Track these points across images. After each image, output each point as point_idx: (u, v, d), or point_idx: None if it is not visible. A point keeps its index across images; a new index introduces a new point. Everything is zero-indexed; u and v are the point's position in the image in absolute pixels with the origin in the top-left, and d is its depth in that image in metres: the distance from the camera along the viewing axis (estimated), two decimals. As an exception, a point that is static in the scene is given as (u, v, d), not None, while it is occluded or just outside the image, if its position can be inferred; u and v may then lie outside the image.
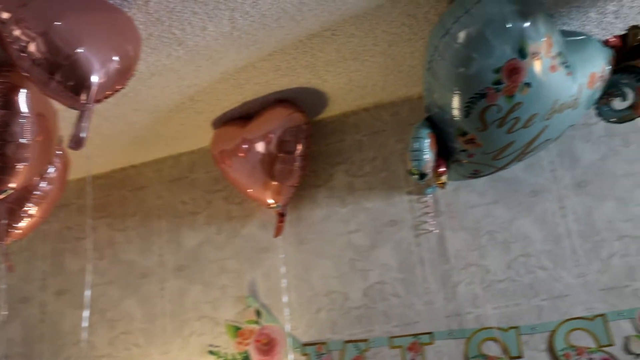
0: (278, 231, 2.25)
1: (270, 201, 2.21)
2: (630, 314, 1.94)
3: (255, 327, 2.26)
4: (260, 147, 2.18)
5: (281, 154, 2.18)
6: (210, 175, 2.47)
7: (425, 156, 1.74)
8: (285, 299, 2.24)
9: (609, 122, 1.87)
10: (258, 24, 1.70)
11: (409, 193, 2.21)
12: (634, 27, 1.74)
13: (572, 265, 2.02)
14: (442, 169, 1.88)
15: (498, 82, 1.55)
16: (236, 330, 2.28)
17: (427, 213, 2.17)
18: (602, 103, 1.83)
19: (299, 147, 2.19)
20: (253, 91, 2.10)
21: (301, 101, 2.20)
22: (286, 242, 2.29)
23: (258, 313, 2.27)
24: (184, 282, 2.40)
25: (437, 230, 2.15)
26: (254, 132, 2.19)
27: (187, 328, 2.34)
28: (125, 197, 2.58)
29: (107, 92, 1.51)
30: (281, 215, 2.24)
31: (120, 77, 1.52)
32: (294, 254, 2.29)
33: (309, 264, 2.27)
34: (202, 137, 2.36)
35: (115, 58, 1.46)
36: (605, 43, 1.75)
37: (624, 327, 1.94)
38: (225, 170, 2.27)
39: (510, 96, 1.57)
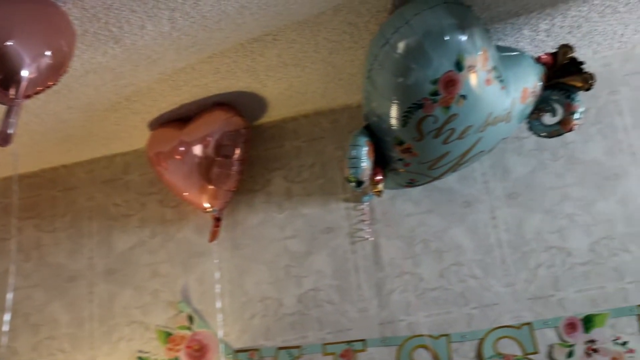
0: (213, 236, 2.22)
1: (207, 205, 2.18)
2: (554, 322, 2.00)
3: (187, 333, 2.22)
4: (197, 150, 2.15)
5: (219, 158, 2.15)
6: (145, 177, 2.42)
7: (362, 164, 1.75)
8: (218, 304, 2.20)
9: (540, 136, 1.93)
10: (198, 26, 1.67)
11: (346, 200, 2.22)
12: (564, 46, 1.80)
13: (501, 275, 2.07)
14: (378, 177, 1.90)
15: (435, 93, 1.58)
16: (167, 336, 2.23)
17: (363, 221, 2.19)
18: (533, 118, 1.90)
19: (237, 152, 2.17)
20: (192, 93, 2.07)
21: (240, 105, 2.18)
22: (221, 247, 2.27)
23: (190, 319, 2.23)
24: (114, 286, 2.33)
25: (373, 238, 2.17)
26: (191, 134, 2.15)
27: (116, 333, 2.28)
28: (54, 197, 2.49)
29: (38, 88, 1.46)
30: (217, 220, 2.21)
31: (53, 73, 1.47)
32: (229, 259, 2.27)
33: (243, 269, 2.25)
34: (138, 138, 2.31)
35: (48, 53, 1.42)
36: (538, 60, 1.81)
37: (548, 336, 2.00)
38: (160, 173, 2.22)
39: (447, 107, 1.61)
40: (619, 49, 2.13)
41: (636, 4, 1.81)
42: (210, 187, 2.16)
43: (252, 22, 1.69)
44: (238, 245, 2.28)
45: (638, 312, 1.96)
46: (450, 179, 2.09)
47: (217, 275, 2.23)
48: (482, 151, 1.81)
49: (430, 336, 2.06)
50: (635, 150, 2.08)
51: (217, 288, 2.22)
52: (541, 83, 1.81)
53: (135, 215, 2.40)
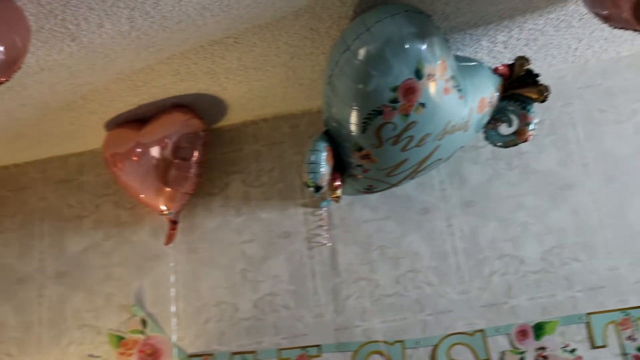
0: (169, 239, 2.19)
1: (163, 208, 2.15)
2: (506, 329, 2.04)
3: (140, 337, 2.18)
4: (155, 151, 2.12)
5: (176, 160, 2.13)
6: (100, 178, 2.37)
7: (321, 169, 1.75)
8: (173, 308, 2.18)
9: (496, 146, 1.96)
10: (158, 26, 1.65)
11: (304, 205, 2.22)
12: (521, 58, 1.84)
13: (456, 282, 2.09)
14: (337, 183, 1.90)
15: (394, 101, 1.60)
16: (119, 340, 2.19)
17: (320, 226, 2.19)
18: (490, 127, 1.93)
19: (195, 154, 2.15)
20: (150, 94, 2.04)
21: (200, 107, 2.16)
22: (177, 251, 2.24)
23: (144, 322, 2.20)
24: (65, 289, 2.28)
25: (330, 244, 2.18)
26: (149, 136, 2.12)
27: (66, 337, 2.23)
28: (4, 197, 2.43)
29: (-11, 84, 1.42)
30: (173, 223, 2.18)
31: (5, 69, 1.42)
32: (185, 263, 2.24)
33: (199, 273, 2.23)
34: (94, 138, 2.26)
35: (0, 48, 1.38)
36: (495, 71, 1.84)
37: (500, 342, 2.03)
38: (116, 174, 2.18)
39: (406, 115, 1.62)
40: (573, 63, 2.18)
41: (589, 20, 1.86)
42: (167, 189, 2.13)
43: (213, 24, 1.67)
44: (194, 249, 2.25)
45: (587, 320, 2.01)
46: (408, 186, 2.11)
47: (172, 278, 2.21)
48: (439, 159, 1.83)
49: (385, 342, 2.07)
50: (587, 162, 2.13)
51: (172, 292, 2.19)
52: (498, 93, 1.84)
53: (90, 217, 2.35)
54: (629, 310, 2.00)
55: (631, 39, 2.01)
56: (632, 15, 1.24)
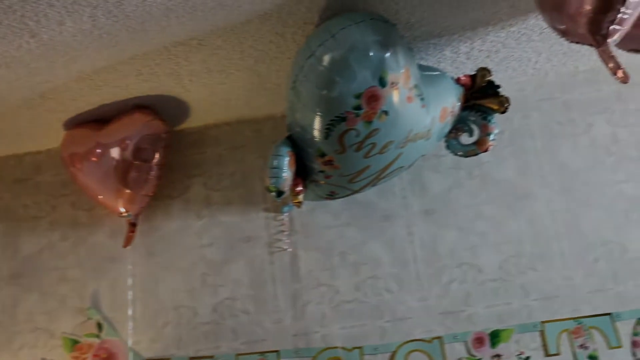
0: (128, 241, 2.15)
1: (122, 210, 2.12)
2: (464, 337, 2.06)
3: (95, 340, 2.14)
4: (115, 152, 2.08)
5: (137, 162, 2.09)
6: (57, 178, 2.32)
7: (283, 174, 1.74)
8: (129, 312, 2.15)
9: (457, 155, 1.99)
10: (121, 25, 1.63)
11: (266, 210, 2.21)
12: (482, 69, 1.87)
13: (415, 289, 2.11)
14: (299, 188, 1.90)
15: (358, 107, 1.60)
16: (73, 344, 2.14)
17: (282, 231, 2.19)
18: (451, 137, 1.95)
19: (156, 156, 2.12)
20: (111, 94, 2.01)
21: (162, 109, 2.13)
22: (135, 253, 2.20)
23: (99, 326, 2.16)
24: (18, 291, 2.22)
25: (291, 249, 2.17)
26: (109, 136, 2.09)
27: (18, 340, 2.17)
28: (-43, 196, 2.36)
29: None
30: (132, 225, 2.15)
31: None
32: (143, 266, 2.21)
33: (158, 276, 2.20)
34: (52, 137, 2.21)
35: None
36: (457, 81, 1.87)
37: (457, 350, 2.05)
38: (74, 175, 2.13)
39: (369, 122, 1.63)
40: (533, 76, 2.23)
41: (549, 34, 1.90)
42: (127, 191, 2.10)
43: (178, 25, 1.66)
44: (153, 252, 2.22)
45: (541, 329, 2.05)
46: (370, 193, 2.12)
47: (129, 281, 2.17)
48: (401, 167, 1.84)
49: (344, 348, 2.07)
50: (544, 173, 2.18)
51: (129, 295, 2.16)
52: (460, 103, 1.87)
53: (46, 218, 2.30)
54: (581, 319, 2.05)
55: (588, 54, 2.06)
56: (588, 30, 1.27)
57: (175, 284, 2.19)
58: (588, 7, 1.26)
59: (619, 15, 1.23)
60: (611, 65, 1.24)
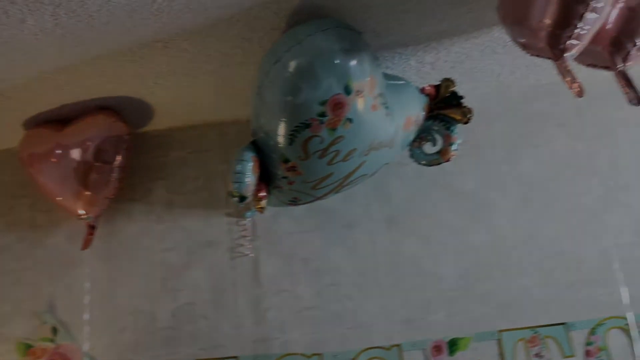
0: (86, 244, 2.11)
1: (81, 212, 2.08)
2: (422, 344, 2.08)
3: (50, 345, 2.10)
4: (75, 153, 2.05)
5: (98, 164, 2.07)
6: (15, 178, 2.27)
7: (246, 179, 1.74)
8: (86, 316, 2.11)
9: (420, 164, 2.01)
10: (84, 25, 1.60)
11: (228, 215, 2.20)
12: (447, 80, 1.90)
13: (376, 296, 2.12)
14: (262, 194, 1.90)
15: (322, 115, 1.60)
16: (27, 348, 2.09)
17: (244, 236, 2.18)
18: (415, 146, 1.97)
19: (118, 158, 2.10)
20: (73, 94, 1.98)
21: (125, 111, 2.11)
22: (94, 256, 2.17)
23: (54, 330, 2.11)
24: (-29, 294, 2.17)
25: (253, 255, 2.16)
26: (70, 137, 2.05)
27: (-31, 344, 2.12)
28: None
29: None
30: (91, 228, 2.12)
31: None
32: (102, 270, 2.17)
33: (116, 280, 2.16)
34: (10, 137, 2.16)
35: None
36: (422, 90, 1.89)
37: (416, 357, 2.07)
38: (33, 175, 2.09)
39: (333, 129, 1.63)
40: (496, 87, 2.26)
41: (512, 48, 1.92)
42: (87, 193, 2.06)
43: (143, 27, 1.64)
44: (112, 255, 2.19)
45: (498, 337, 2.08)
46: (334, 200, 2.12)
47: (87, 285, 2.13)
48: (365, 174, 1.85)
49: (303, 355, 2.07)
50: (505, 184, 2.21)
51: (86, 299, 2.12)
52: (424, 113, 1.89)
53: (2, 219, 2.25)
54: (537, 328, 2.08)
55: (550, 68, 2.07)
56: (547, 44, 1.29)
57: (134, 288, 2.16)
58: (548, 21, 1.28)
59: (577, 31, 1.26)
60: (567, 78, 1.27)
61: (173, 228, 2.21)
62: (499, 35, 1.88)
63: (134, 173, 2.23)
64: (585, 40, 1.29)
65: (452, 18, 1.76)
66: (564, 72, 1.27)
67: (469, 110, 1.87)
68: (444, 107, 1.91)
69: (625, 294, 2.09)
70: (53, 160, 2.04)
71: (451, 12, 1.73)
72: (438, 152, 1.95)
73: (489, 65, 2.08)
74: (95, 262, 2.17)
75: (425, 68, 2.04)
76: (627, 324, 2.08)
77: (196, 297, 2.14)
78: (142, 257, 2.19)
